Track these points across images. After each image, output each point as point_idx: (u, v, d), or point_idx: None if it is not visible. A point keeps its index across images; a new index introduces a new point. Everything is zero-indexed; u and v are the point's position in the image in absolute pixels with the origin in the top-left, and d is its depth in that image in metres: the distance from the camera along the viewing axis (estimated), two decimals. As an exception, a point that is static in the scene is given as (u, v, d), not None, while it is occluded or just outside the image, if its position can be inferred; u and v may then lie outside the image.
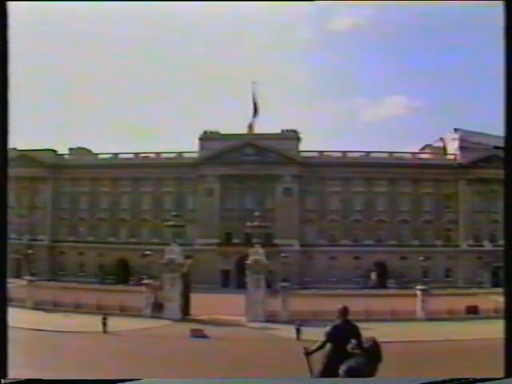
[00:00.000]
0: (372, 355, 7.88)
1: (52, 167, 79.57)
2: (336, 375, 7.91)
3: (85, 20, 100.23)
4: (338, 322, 8.79)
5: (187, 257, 50.99)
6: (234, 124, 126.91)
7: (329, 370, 8.30)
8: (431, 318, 42.39)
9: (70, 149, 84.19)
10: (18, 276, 55.09)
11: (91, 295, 46.29)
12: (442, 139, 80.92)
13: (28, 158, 75.68)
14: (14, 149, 65.41)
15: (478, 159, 73.18)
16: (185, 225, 57.78)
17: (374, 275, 73.12)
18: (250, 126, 76.54)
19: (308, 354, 8.78)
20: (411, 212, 75.34)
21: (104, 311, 38.60)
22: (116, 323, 36.26)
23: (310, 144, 79.01)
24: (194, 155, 76.81)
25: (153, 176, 77.41)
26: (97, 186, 79.43)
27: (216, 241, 73.49)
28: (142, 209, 78.34)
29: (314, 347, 8.81)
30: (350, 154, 76.88)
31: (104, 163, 79.81)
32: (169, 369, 22.88)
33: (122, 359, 25.84)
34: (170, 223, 49.48)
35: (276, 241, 70.21)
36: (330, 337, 8.59)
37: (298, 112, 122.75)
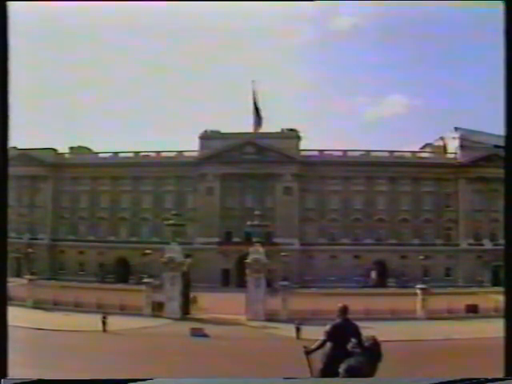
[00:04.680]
0: (372, 354, 7.89)
1: (52, 166, 79.54)
2: (336, 374, 7.92)
3: (85, 20, 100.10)
4: (338, 320, 8.81)
5: (187, 256, 51.01)
6: (234, 123, 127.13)
7: (329, 369, 8.31)
8: (431, 317, 42.40)
9: (71, 147, 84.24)
10: (18, 275, 55.21)
11: (91, 294, 46.27)
12: (442, 138, 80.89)
13: (28, 156, 75.64)
14: (15, 148, 65.49)
15: (478, 158, 73.15)
16: (185, 224, 57.69)
17: (374, 274, 73.12)
18: (257, 127, 76.54)
19: (308, 352, 8.79)
20: (411, 211, 75.32)
21: (104, 310, 38.59)
22: (116, 322, 36.26)
23: (310, 143, 79.15)
24: (195, 154, 76.79)
25: (153, 175, 77.42)
26: (97, 184, 79.43)
27: (216, 240, 73.50)
28: (142, 208, 78.34)
29: (314, 346, 8.82)
30: (350, 153, 76.88)
31: (104, 162, 79.80)
32: (169, 368, 22.86)
33: (121, 358, 25.83)
34: (170, 222, 49.48)
35: (276, 240, 70.17)
36: (330, 336, 8.60)
37: (299, 111, 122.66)
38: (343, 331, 8.51)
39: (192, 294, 46.56)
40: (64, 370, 19.97)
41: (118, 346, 30.38)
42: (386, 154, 76.66)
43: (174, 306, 43.21)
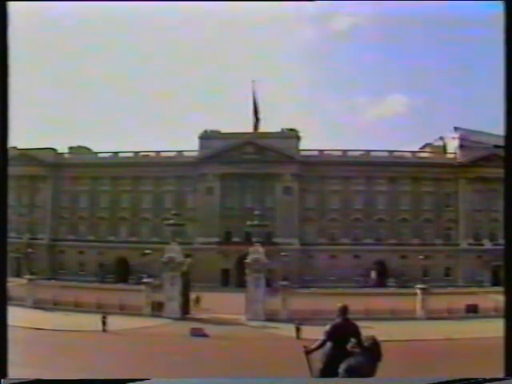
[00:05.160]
0: (372, 354, 7.88)
1: (52, 166, 79.52)
2: (336, 374, 7.92)
3: (85, 20, 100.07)
4: (337, 320, 8.80)
5: (187, 255, 51.00)
6: (234, 123, 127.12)
7: (329, 369, 8.31)
8: (431, 316, 42.39)
9: (70, 147, 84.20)
10: (17, 275, 55.18)
11: (91, 294, 46.33)
12: (442, 138, 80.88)
13: (28, 156, 75.63)
14: (14, 148, 65.42)
15: (478, 158, 73.15)
16: (185, 223, 57.64)
17: (373, 274, 73.11)
18: (255, 128, 76.64)
19: (308, 352, 8.79)
20: (411, 211, 75.32)
21: (104, 310, 38.63)
22: (116, 322, 36.27)
23: (310, 143, 79.15)
24: (194, 154, 76.79)
25: (153, 175, 77.39)
26: (97, 184, 79.43)
27: (216, 239, 73.48)
28: (141, 207, 78.33)
29: (313, 346, 8.81)
30: (350, 153, 76.83)
31: (104, 162, 79.79)
32: (169, 368, 22.89)
33: (121, 358, 25.85)
34: (170, 222, 49.48)
35: (276, 239, 70.16)
36: (330, 336, 8.60)
37: (299, 111, 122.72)
38: (343, 331, 8.52)
39: (195, 294, 46.63)
40: (64, 370, 19.98)
41: (118, 346, 30.40)
42: (386, 154, 76.65)
43: (173, 305, 43.22)
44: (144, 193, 78.27)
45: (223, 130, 76.59)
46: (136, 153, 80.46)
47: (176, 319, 41.55)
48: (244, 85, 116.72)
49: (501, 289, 9.35)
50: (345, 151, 76.80)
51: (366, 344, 8.00)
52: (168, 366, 23.51)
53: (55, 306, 44.56)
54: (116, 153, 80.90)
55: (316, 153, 76.51)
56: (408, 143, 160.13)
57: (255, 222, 48.68)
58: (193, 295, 46.66)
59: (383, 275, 72.48)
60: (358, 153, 77.19)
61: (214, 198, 75.21)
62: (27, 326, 29.15)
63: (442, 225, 75.46)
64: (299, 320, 34.63)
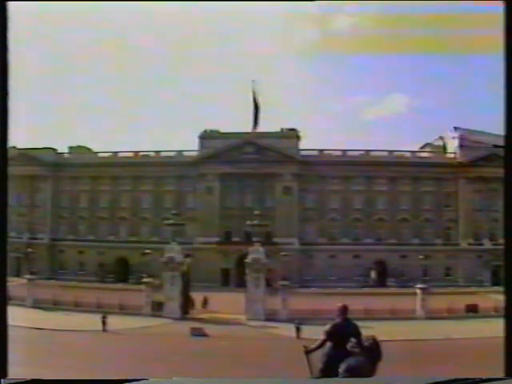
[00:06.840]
0: (372, 354, 7.87)
1: (52, 166, 79.49)
2: (336, 374, 7.91)
3: (85, 20, 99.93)
4: (337, 320, 8.80)
5: (187, 255, 51.06)
6: (234, 122, 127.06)
7: (328, 369, 8.30)
8: (431, 316, 42.45)
9: (70, 147, 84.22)
10: (17, 275, 55.11)
11: (91, 294, 46.36)
12: (441, 138, 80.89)
13: (28, 156, 75.60)
14: (14, 147, 65.42)
15: (477, 158, 73.11)
16: (185, 223, 57.67)
17: (373, 274, 73.10)
18: (255, 127, 76.58)
19: (308, 352, 8.78)
20: (411, 210, 75.31)
21: (104, 310, 38.69)
22: (115, 322, 36.31)
23: (310, 142, 79.16)
24: (194, 153, 76.81)
25: (153, 174, 77.36)
26: (97, 184, 79.39)
27: (216, 239, 73.46)
28: (141, 207, 78.30)
29: (313, 346, 8.81)
30: (349, 153, 76.79)
31: (104, 162, 79.71)
32: (169, 367, 22.89)
33: (121, 358, 25.86)
34: (170, 222, 49.51)
35: (276, 239, 70.14)
36: (330, 335, 8.60)
37: (299, 110, 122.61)
38: (343, 331, 8.51)
39: (203, 295, 46.64)
40: (64, 370, 19.98)
41: (118, 346, 30.41)
42: (386, 154, 76.62)
43: (173, 305, 43.24)
44: (144, 192, 78.23)
45: (223, 130, 76.65)
46: (136, 152, 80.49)
47: (176, 319, 41.58)
48: (243, 84, 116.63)
49: (501, 289, 9.35)
50: (345, 151, 76.76)
51: (365, 344, 7.99)
52: (168, 365, 23.51)
53: (55, 305, 44.61)
54: (116, 152, 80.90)
55: (316, 152, 76.46)
56: (408, 143, 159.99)
57: (255, 222, 48.70)
58: (200, 296, 46.59)
59: (383, 275, 72.48)
60: (357, 152, 77.19)
61: (214, 197, 75.22)
62: (27, 326, 29.12)
63: (442, 225, 75.46)
64: (299, 320, 34.65)
